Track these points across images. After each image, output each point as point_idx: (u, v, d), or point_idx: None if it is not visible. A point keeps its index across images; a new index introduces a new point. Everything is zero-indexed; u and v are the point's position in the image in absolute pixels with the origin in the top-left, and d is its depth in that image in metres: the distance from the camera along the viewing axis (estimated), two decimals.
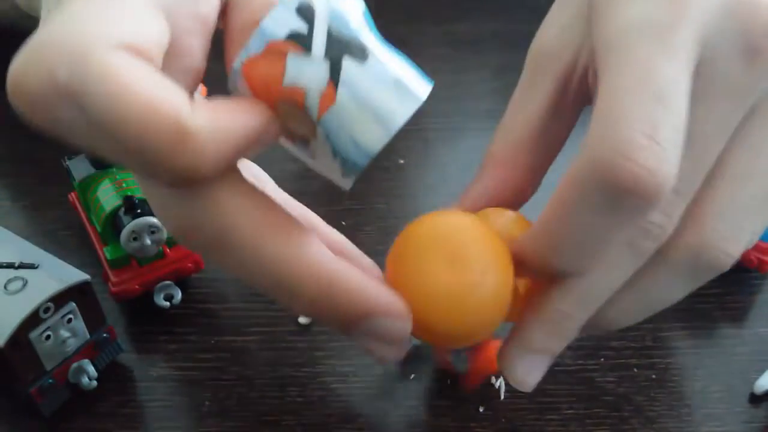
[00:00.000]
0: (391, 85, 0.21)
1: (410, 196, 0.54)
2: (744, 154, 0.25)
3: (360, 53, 0.21)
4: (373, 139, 0.22)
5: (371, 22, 0.22)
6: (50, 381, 0.38)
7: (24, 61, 0.21)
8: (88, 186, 0.45)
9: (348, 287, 0.24)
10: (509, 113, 0.30)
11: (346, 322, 0.25)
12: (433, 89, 0.71)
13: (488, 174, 0.30)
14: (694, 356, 0.42)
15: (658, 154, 0.21)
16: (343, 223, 0.51)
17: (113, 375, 0.41)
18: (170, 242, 0.44)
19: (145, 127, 0.20)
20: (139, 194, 0.42)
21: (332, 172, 0.25)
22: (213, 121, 0.21)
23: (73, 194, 0.48)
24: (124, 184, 0.43)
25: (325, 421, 0.39)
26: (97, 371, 0.40)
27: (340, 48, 0.20)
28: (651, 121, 0.22)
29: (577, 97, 0.28)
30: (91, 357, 0.40)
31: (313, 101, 0.20)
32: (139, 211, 0.41)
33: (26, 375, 0.37)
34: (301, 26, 0.20)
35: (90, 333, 0.39)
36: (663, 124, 0.22)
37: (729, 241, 0.25)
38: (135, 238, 0.41)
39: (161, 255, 0.43)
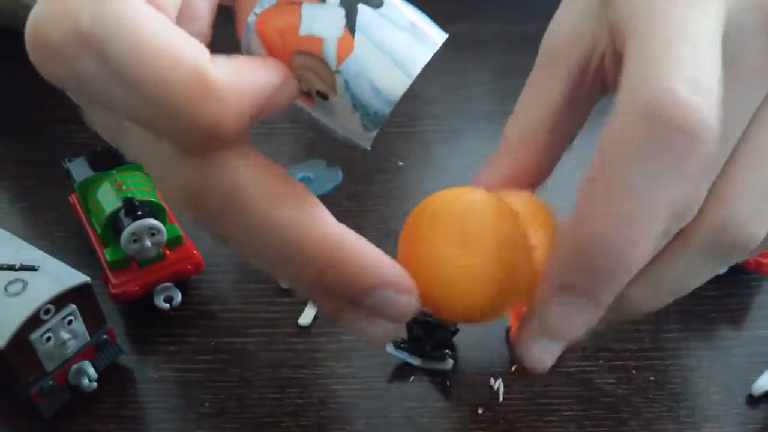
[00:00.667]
0: (408, 28, 0.21)
1: (410, 198, 0.54)
2: (767, 133, 0.25)
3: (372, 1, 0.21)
4: (394, 83, 0.21)
5: None
6: (50, 382, 0.38)
7: (45, 10, 0.20)
8: (88, 188, 0.45)
9: (359, 256, 0.23)
10: (523, 101, 0.30)
11: (353, 294, 0.24)
12: (433, 91, 0.72)
13: (502, 157, 0.29)
14: (693, 358, 0.42)
15: (702, 101, 0.21)
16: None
17: (113, 376, 0.42)
18: (170, 244, 0.44)
19: (168, 76, 0.19)
20: (139, 196, 0.43)
21: (353, 128, 0.24)
22: (234, 74, 0.21)
23: (73, 196, 0.48)
24: (124, 186, 0.44)
25: (325, 423, 0.39)
26: (97, 373, 0.40)
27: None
28: (692, 70, 0.21)
29: (593, 85, 0.28)
30: (91, 358, 0.40)
31: (331, 49, 0.20)
32: (139, 213, 0.42)
33: (27, 376, 0.37)
34: None
35: (90, 334, 0.40)
36: (704, 73, 0.21)
37: (752, 220, 0.25)
38: (135, 240, 0.41)
39: (161, 257, 0.44)
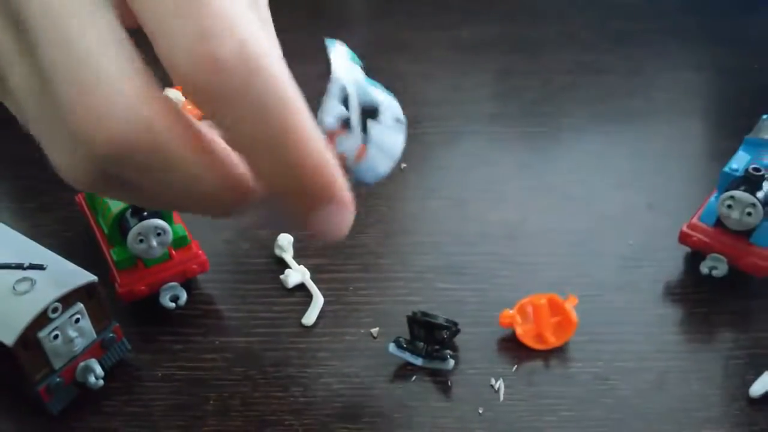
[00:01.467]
0: (393, 126, 0.29)
1: (411, 199, 0.54)
2: None
3: (375, 111, 0.28)
4: (386, 167, 0.29)
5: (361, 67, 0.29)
6: (58, 380, 0.39)
7: None
8: None
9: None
10: None
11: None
12: (435, 93, 0.73)
13: None
14: (692, 360, 0.42)
15: None
16: None
17: (120, 374, 0.42)
18: (176, 244, 0.44)
19: None
20: None
21: None
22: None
23: (80, 196, 0.49)
24: None
25: (327, 422, 0.40)
26: (103, 370, 0.40)
27: (366, 114, 0.28)
28: None
29: None
30: (98, 356, 0.40)
31: (351, 158, 0.28)
32: (145, 213, 0.42)
33: (34, 374, 0.38)
34: (344, 111, 0.27)
35: (97, 333, 0.40)
36: None
37: None
38: (141, 240, 0.42)
39: (167, 256, 0.44)
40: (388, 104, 0.29)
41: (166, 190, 0.21)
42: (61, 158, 0.21)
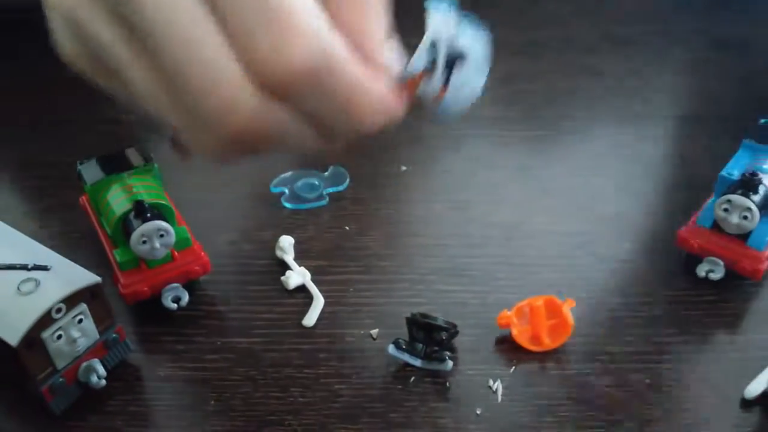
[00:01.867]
0: (474, 72, 0.30)
1: (414, 202, 0.55)
2: None
3: (461, 58, 0.30)
4: (461, 111, 0.31)
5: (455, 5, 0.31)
6: (61, 380, 0.39)
7: None
8: (99, 190, 0.46)
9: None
10: None
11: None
12: None
13: None
14: (688, 362, 0.43)
15: None
16: (347, 228, 0.52)
17: (122, 374, 0.43)
18: (178, 246, 0.45)
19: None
20: (148, 199, 0.44)
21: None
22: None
23: (84, 197, 0.49)
24: (134, 189, 0.45)
25: (327, 422, 0.40)
26: (106, 370, 0.41)
27: (451, 60, 0.30)
28: None
29: None
30: (100, 356, 0.41)
31: (429, 99, 0.30)
32: (148, 215, 0.43)
33: (38, 374, 0.38)
34: (431, 57, 0.30)
35: (100, 333, 0.41)
36: None
37: None
38: (144, 241, 0.43)
39: (169, 258, 0.45)
40: (474, 48, 0.31)
41: (270, 147, 0.26)
42: (191, 136, 0.25)
